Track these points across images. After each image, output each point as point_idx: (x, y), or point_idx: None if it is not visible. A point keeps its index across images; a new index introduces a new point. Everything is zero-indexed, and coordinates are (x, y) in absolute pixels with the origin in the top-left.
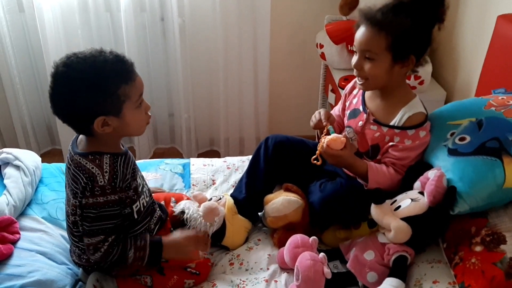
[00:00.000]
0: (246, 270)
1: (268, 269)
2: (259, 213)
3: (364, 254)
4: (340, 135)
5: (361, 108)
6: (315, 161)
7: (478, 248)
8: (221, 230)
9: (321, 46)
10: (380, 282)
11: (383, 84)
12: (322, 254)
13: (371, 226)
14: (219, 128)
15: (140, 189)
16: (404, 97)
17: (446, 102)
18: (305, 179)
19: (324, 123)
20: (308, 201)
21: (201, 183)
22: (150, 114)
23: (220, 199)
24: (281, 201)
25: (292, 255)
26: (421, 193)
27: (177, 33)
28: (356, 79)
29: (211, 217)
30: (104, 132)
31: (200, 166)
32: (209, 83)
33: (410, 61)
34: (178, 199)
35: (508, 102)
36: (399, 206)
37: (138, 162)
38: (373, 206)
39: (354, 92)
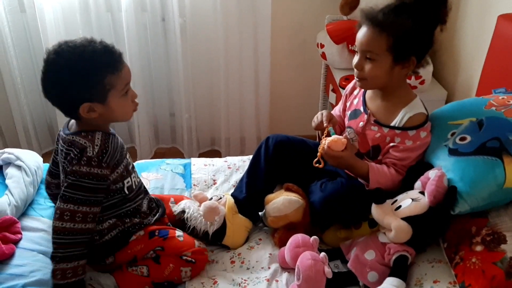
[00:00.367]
0: (248, 268)
1: (269, 268)
2: (260, 213)
3: (364, 253)
4: (340, 137)
5: (362, 109)
6: (317, 164)
7: (478, 248)
8: (222, 230)
9: (322, 46)
10: (380, 281)
11: (382, 85)
12: (323, 253)
13: (371, 225)
14: (220, 128)
15: (130, 168)
16: (405, 98)
17: (447, 102)
18: (305, 179)
19: (325, 125)
20: (309, 200)
21: (202, 183)
22: (137, 101)
23: (220, 198)
24: (281, 201)
25: (293, 255)
26: (422, 193)
27: (178, 33)
28: (355, 78)
29: (211, 216)
30: (91, 117)
31: (201, 166)
32: (210, 83)
33: (411, 62)
34: (178, 200)
35: (509, 101)
36: (400, 206)
37: (139, 162)
38: (373, 205)
39: (355, 92)
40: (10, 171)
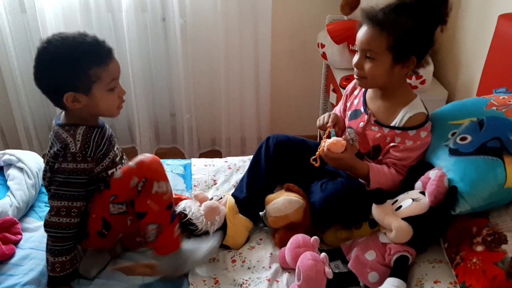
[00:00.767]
0: (249, 268)
1: (270, 267)
2: (260, 213)
3: (365, 254)
4: (340, 138)
5: (362, 109)
6: (313, 162)
7: (479, 248)
8: (222, 230)
9: (323, 46)
10: (381, 282)
11: (382, 84)
12: (323, 254)
13: (372, 226)
14: (220, 128)
15: (118, 159)
16: (405, 98)
17: (447, 102)
18: (306, 179)
19: (328, 125)
20: (309, 201)
21: (202, 184)
22: (124, 99)
23: (221, 198)
24: (282, 201)
25: (294, 255)
26: (422, 193)
27: (178, 33)
28: (355, 77)
29: (212, 216)
30: (75, 107)
31: (201, 167)
32: (211, 83)
33: (411, 62)
34: (177, 200)
35: (509, 101)
36: (400, 206)
37: None
38: (374, 206)
39: (355, 92)
40: (12, 173)
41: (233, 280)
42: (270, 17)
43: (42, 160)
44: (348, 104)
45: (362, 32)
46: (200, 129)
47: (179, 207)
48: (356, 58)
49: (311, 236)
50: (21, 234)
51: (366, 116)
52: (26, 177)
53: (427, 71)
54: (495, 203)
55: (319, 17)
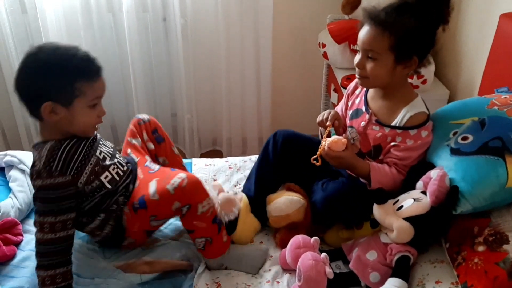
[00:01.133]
0: None
1: (270, 270)
2: None
3: (366, 254)
4: (340, 137)
5: (363, 108)
6: (314, 161)
7: (480, 248)
8: (232, 225)
9: (324, 46)
10: (382, 282)
11: (384, 84)
12: (324, 254)
13: (373, 226)
14: (221, 128)
15: (107, 162)
16: (406, 97)
17: (449, 101)
18: (307, 177)
19: (328, 123)
20: (310, 200)
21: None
22: (102, 120)
23: (236, 194)
24: (283, 201)
25: (294, 256)
26: (424, 192)
27: (179, 33)
28: (356, 76)
29: (228, 208)
30: (51, 119)
31: (202, 166)
32: (212, 83)
33: (412, 62)
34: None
35: (511, 101)
36: (402, 206)
37: None
38: (375, 206)
39: (357, 92)
40: (13, 174)
41: (236, 284)
42: (271, 17)
43: None
44: (350, 103)
45: (363, 32)
46: (201, 129)
47: None
48: (357, 58)
49: (312, 236)
50: (22, 235)
51: (367, 116)
52: (28, 178)
53: (428, 71)
54: (496, 203)
55: (320, 17)
